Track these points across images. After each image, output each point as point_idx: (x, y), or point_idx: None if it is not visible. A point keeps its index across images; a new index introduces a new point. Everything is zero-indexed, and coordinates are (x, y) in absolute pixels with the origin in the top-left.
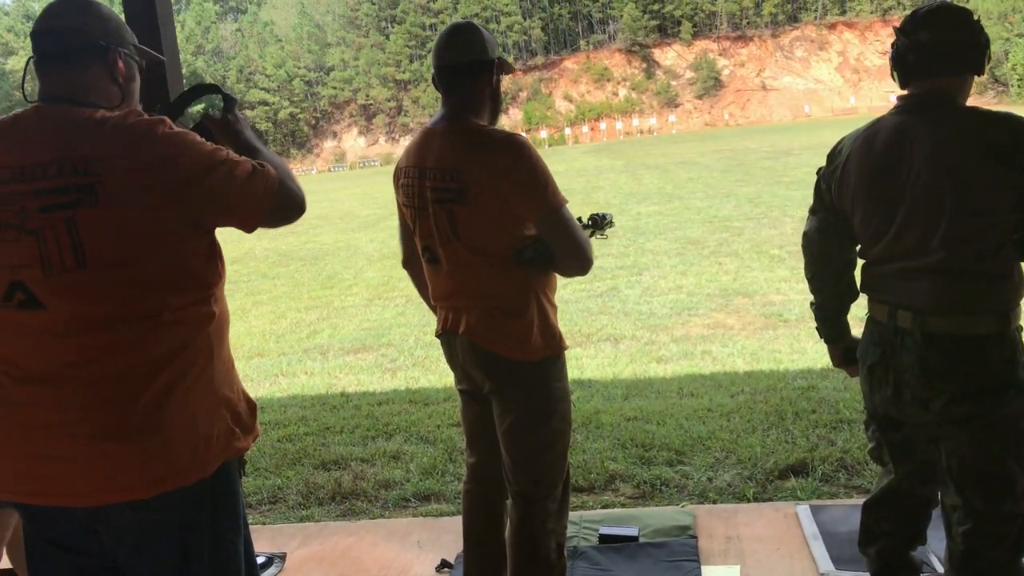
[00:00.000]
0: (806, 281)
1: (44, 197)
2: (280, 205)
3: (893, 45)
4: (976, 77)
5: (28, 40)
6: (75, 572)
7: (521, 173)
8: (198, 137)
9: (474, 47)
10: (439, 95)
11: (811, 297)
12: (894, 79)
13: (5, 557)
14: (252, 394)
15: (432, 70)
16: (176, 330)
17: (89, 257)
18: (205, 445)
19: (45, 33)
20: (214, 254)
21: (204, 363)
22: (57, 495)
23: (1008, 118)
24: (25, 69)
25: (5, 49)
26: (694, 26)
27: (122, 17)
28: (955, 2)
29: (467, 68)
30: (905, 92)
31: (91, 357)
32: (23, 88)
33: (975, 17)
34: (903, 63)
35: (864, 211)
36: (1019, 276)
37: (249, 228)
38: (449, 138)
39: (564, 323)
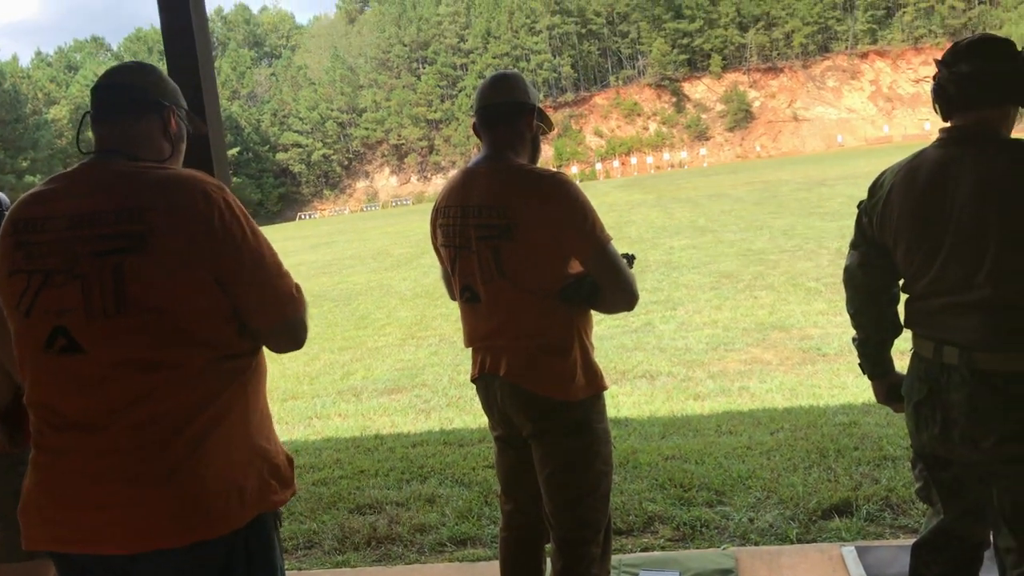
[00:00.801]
0: (848, 315)
1: (97, 243)
2: (290, 333)
3: (934, 77)
4: (1023, 107)
5: (69, 89)
6: None
7: (569, 210)
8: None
9: (517, 91)
10: (472, 136)
11: (853, 332)
12: (936, 112)
13: None
14: (286, 437)
15: (472, 114)
16: (210, 379)
17: (129, 302)
18: (239, 496)
19: (108, 87)
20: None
21: (239, 413)
22: (93, 543)
23: None
24: (80, 123)
25: (47, 98)
26: (724, 59)
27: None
28: (984, 31)
29: (510, 107)
30: (948, 124)
31: (127, 403)
32: (78, 141)
33: (1017, 48)
34: (945, 95)
35: (907, 245)
36: None
37: (251, 325)
38: (494, 176)
39: (599, 360)
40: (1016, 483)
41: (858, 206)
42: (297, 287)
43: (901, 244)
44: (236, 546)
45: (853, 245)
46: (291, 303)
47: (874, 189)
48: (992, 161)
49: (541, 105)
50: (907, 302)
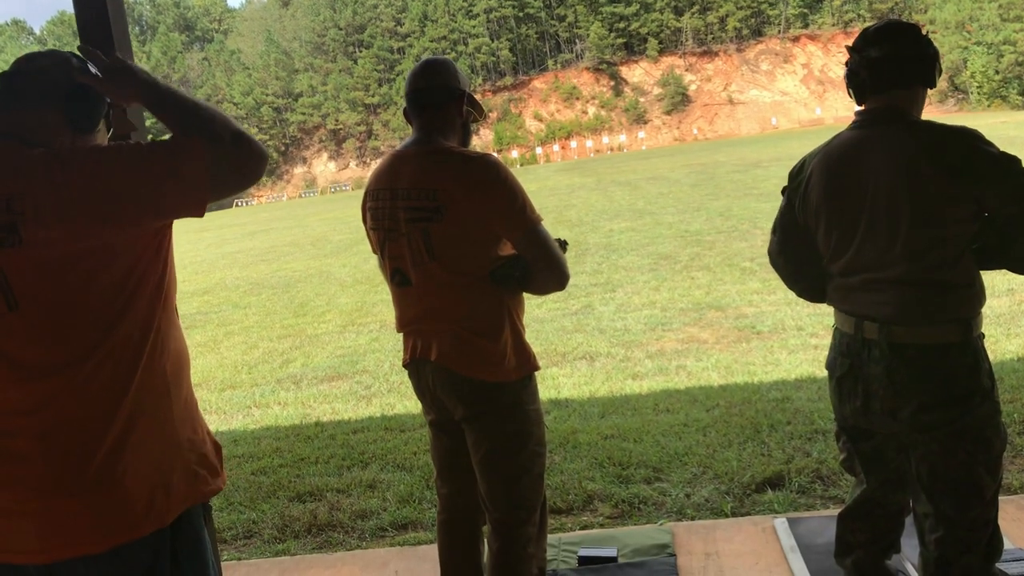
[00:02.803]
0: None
1: None
2: (221, 178)
3: (846, 64)
4: (930, 88)
5: None
6: None
7: (499, 191)
8: (102, 148)
9: (447, 76)
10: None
11: (790, 309)
12: (850, 96)
13: None
14: (225, 427)
15: (404, 99)
16: (125, 370)
17: (20, 298)
18: (165, 493)
19: (15, 74)
20: (155, 265)
21: (161, 405)
22: (7, 551)
23: (960, 132)
24: None
25: None
26: (660, 43)
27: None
28: (910, 15)
29: (439, 92)
30: (861, 108)
31: (39, 405)
32: None
33: (923, 31)
34: (857, 80)
35: (826, 225)
36: (979, 285)
37: (197, 215)
38: (423, 159)
39: (540, 342)
40: (932, 451)
41: (783, 191)
42: (179, 146)
43: (821, 224)
44: (162, 545)
45: (772, 230)
46: (193, 167)
47: (794, 174)
48: (902, 141)
49: (473, 91)
50: (829, 280)
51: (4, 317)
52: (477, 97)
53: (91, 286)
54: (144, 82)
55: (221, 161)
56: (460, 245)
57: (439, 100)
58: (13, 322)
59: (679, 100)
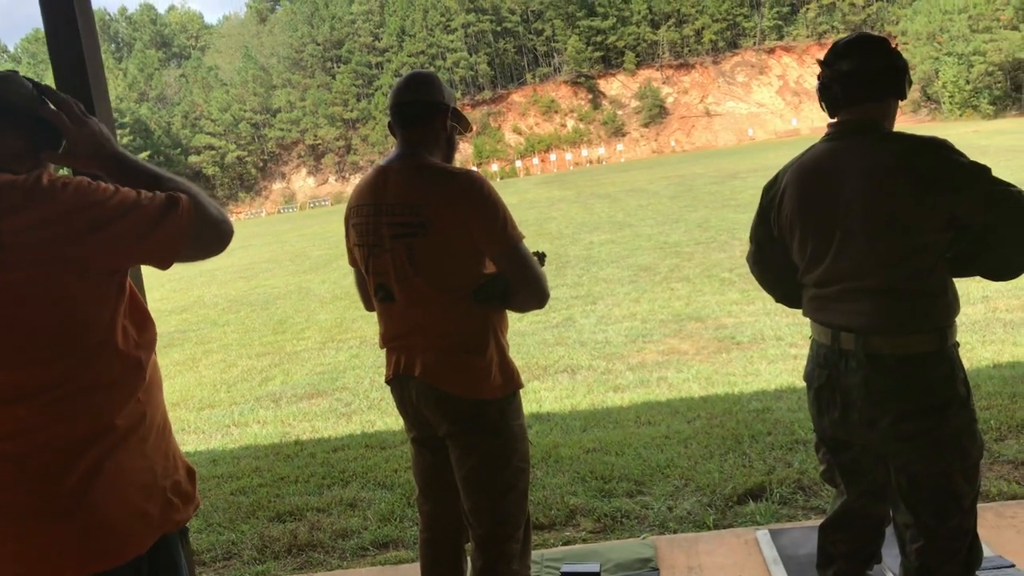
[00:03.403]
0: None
1: None
2: (198, 237)
3: (819, 77)
4: (901, 99)
5: None
6: None
7: (482, 207)
8: (91, 181)
9: (432, 90)
10: (390, 135)
11: (769, 318)
12: (823, 109)
13: None
14: (203, 446)
15: (388, 112)
16: (100, 399)
17: None
18: (142, 520)
19: None
20: (122, 312)
21: (136, 432)
22: None
23: (931, 142)
24: None
25: None
26: (637, 56)
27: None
28: (882, 27)
29: (424, 106)
30: (834, 120)
31: (13, 430)
32: None
33: (892, 44)
34: (829, 93)
35: (801, 237)
36: (953, 293)
37: (162, 267)
38: (407, 174)
39: (521, 356)
40: (911, 461)
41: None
42: (167, 196)
43: (796, 236)
44: (139, 571)
45: (750, 239)
46: (177, 219)
47: (768, 188)
48: (875, 152)
49: (457, 105)
50: (804, 291)
51: None
52: None
53: (63, 313)
54: (111, 155)
55: (204, 225)
56: (444, 260)
57: (424, 114)
58: None
59: (656, 112)
